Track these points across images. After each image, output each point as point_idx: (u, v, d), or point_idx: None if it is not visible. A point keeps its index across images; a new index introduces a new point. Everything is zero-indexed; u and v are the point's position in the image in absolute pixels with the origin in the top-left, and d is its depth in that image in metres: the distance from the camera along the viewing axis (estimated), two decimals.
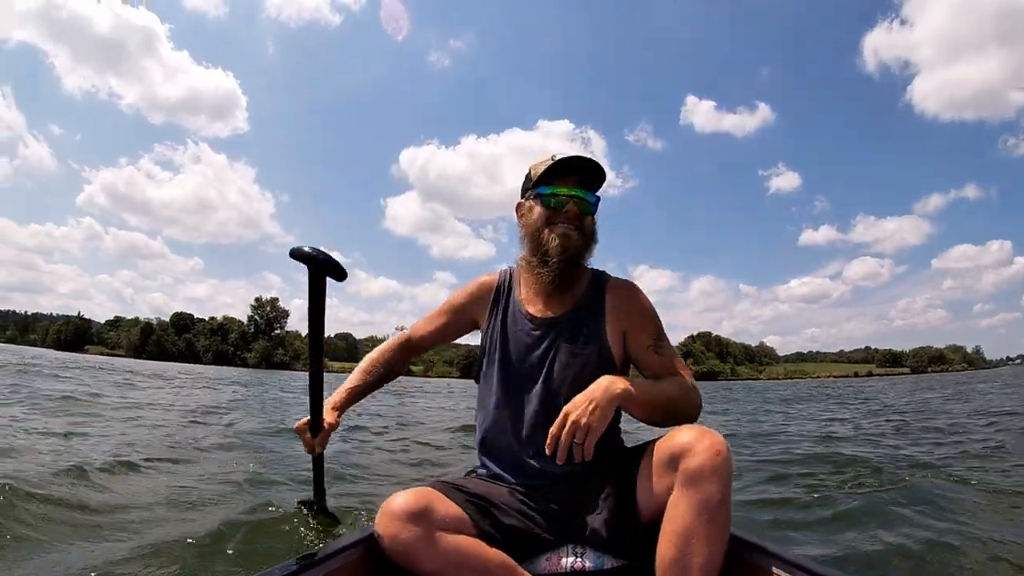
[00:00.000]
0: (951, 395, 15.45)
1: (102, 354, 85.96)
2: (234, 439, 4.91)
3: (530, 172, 1.43)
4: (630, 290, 1.44)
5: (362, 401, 1.52)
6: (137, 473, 3.23)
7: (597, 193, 1.41)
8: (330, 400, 1.46)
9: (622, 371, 1.40)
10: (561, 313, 1.41)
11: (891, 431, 6.58)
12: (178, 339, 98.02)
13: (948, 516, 2.60)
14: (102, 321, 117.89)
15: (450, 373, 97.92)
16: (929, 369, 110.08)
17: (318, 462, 1.63)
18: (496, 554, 1.17)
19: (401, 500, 1.14)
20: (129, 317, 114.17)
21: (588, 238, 1.40)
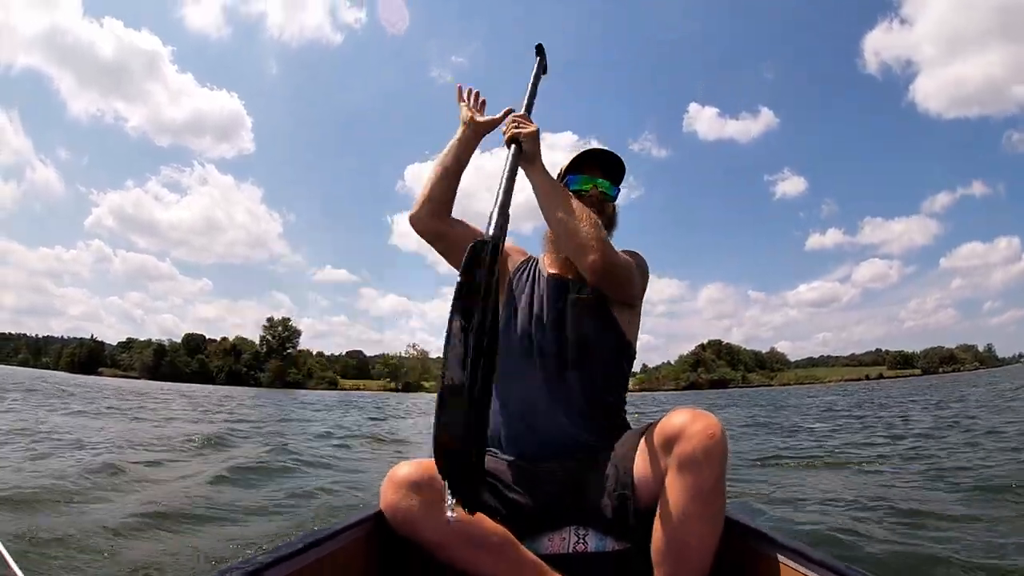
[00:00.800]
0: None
1: (115, 376, 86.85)
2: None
3: (561, 168, 1.59)
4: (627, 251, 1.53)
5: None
6: None
7: (619, 187, 1.59)
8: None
9: (623, 321, 1.45)
10: (572, 276, 1.48)
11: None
12: (191, 360, 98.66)
13: None
14: (114, 343, 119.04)
15: None
16: (940, 369, 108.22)
17: None
18: (497, 529, 1.17)
19: (406, 469, 1.15)
20: (141, 339, 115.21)
21: (607, 221, 1.52)
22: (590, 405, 1.36)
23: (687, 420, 1.09)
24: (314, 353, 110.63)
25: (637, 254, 1.54)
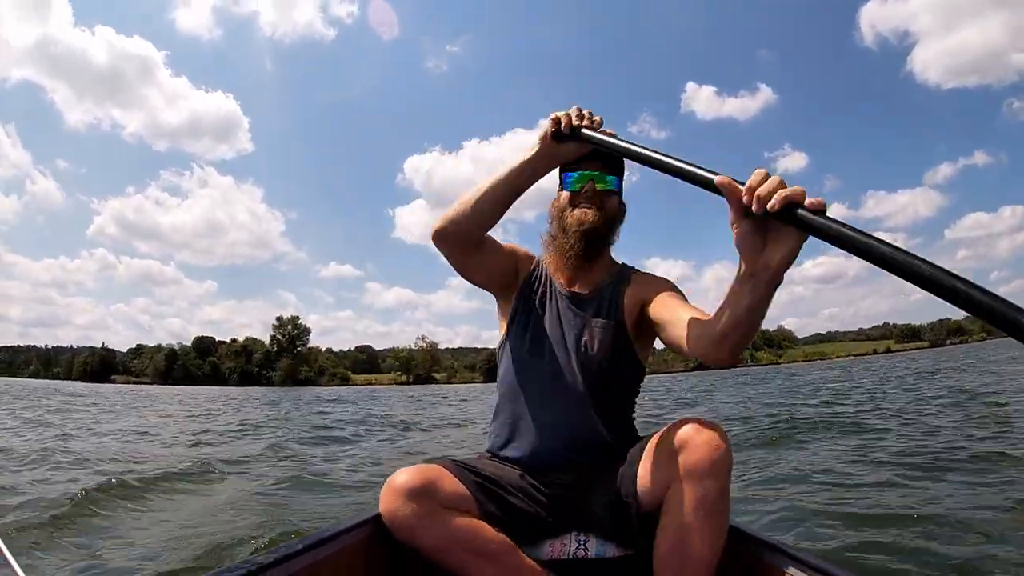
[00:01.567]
0: None
1: (128, 383, 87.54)
2: None
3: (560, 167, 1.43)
4: (656, 276, 1.44)
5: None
6: None
7: (621, 178, 1.42)
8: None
9: (639, 347, 1.39)
10: (586, 292, 1.42)
11: None
12: (203, 363, 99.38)
13: None
14: (123, 350, 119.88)
15: (474, 379, 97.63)
16: (948, 341, 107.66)
17: None
18: (497, 536, 1.16)
19: (404, 476, 1.14)
20: (150, 344, 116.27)
21: (610, 217, 1.40)
22: (602, 421, 1.35)
23: (693, 430, 1.09)
24: (323, 349, 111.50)
25: (678, 290, 1.38)
